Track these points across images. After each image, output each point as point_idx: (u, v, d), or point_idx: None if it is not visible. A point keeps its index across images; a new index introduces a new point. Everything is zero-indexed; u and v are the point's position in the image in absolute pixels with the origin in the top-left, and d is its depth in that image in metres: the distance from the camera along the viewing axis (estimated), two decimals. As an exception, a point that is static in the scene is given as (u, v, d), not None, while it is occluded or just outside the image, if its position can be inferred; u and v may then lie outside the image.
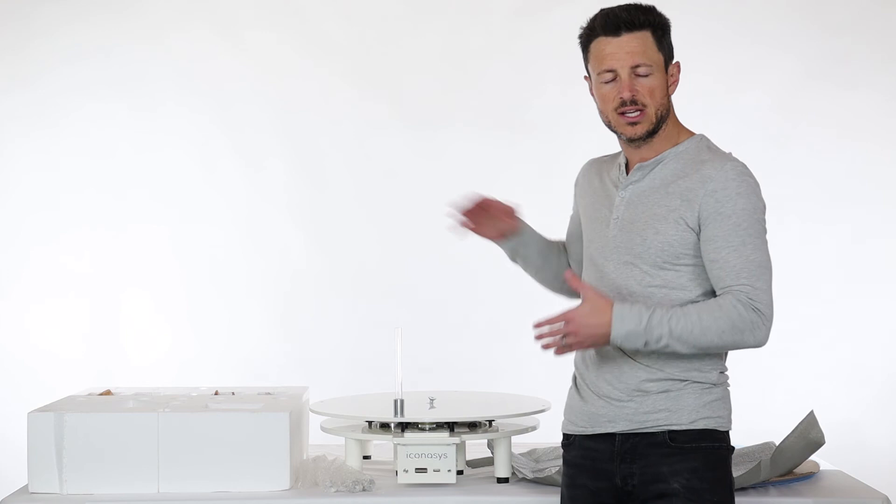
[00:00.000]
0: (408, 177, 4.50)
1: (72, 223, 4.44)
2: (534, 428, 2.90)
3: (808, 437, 2.78)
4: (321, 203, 4.51)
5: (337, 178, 4.51)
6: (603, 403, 2.30)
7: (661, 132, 2.30)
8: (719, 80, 4.43)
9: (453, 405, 2.98)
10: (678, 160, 2.30)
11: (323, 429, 2.94)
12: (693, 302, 2.24)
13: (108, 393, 3.04)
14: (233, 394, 3.04)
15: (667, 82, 2.30)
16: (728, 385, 2.38)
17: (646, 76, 2.26)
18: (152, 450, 2.68)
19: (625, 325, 2.17)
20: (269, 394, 3.03)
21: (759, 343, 2.21)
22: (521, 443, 3.14)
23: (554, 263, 2.60)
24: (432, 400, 2.96)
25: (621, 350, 2.27)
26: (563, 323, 2.20)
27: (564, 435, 2.43)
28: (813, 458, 2.94)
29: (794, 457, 2.78)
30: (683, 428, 2.25)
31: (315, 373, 4.00)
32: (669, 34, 2.32)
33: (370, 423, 2.88)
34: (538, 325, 2.23)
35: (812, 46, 4.41)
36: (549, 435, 3.26)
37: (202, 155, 4.48)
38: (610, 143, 4.64)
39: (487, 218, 2.51)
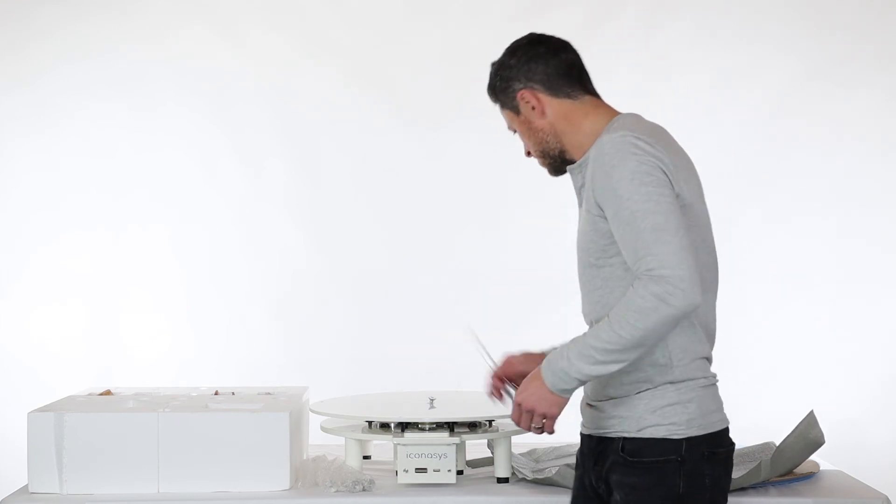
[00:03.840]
0: (408, 176, 4.50)
1: (71, 223, 4.44)
2: (534, 428, 2.89)
3: (808, 437, 2.78)
4: (321, 203, 4.51)
5: (337, 177, 4.51)
6: (585, 407, 2.33)
7: (568, 152, 2.31)
8: (719, 80, 4.43)
9: (453, 405, 2.98)
10: (591, 153, 2.25)
11: (323, 429, 2.94)
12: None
13: (108, 393, 3.04)
14: (233, 394, 3.04)
15: (528, 121, 2.32)
16: (705, 382, 2.22)
17: (517, 132, 2.38)
18: (152, 450, 2.68)
19: (551, 366, 2.15)
20: (269, 394, 3.04)
21: (684, 308, 2.03)
22: (521, 443, 3.14)
23: None
24: (432, 400, 2.96)
25: None
26: (519, 411, 2.21)
27: None
28: (813, 458, 2.94)
29: (794, 457, 2.78)
30: (632, 436, 2.19)
31: (315, 373, 4.00)
32: (503, 84, 2.33)
33: (370, 423, 2.88)
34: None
35: (812, 46, 4.41)
36: (549, 435, 3.27)
37: (202, 155, 4.48)
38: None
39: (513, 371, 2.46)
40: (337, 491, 2.68)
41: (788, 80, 4.42)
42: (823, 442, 2.79)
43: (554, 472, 2.76)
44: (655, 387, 2.18)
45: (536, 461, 3.03)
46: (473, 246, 4.49)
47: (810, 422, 2.80)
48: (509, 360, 2.42)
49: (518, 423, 2.23)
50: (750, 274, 4.42)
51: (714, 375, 2.27)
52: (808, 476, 2.85)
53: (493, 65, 2.36)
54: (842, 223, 4.41)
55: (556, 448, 3.10)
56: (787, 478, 2.81)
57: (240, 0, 4.49)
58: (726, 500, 2.27)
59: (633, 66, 4.45)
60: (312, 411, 2.97)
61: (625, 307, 2.07)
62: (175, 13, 4.46)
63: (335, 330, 4.47)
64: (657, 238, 2.06)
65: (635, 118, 2.28)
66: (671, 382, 2.18)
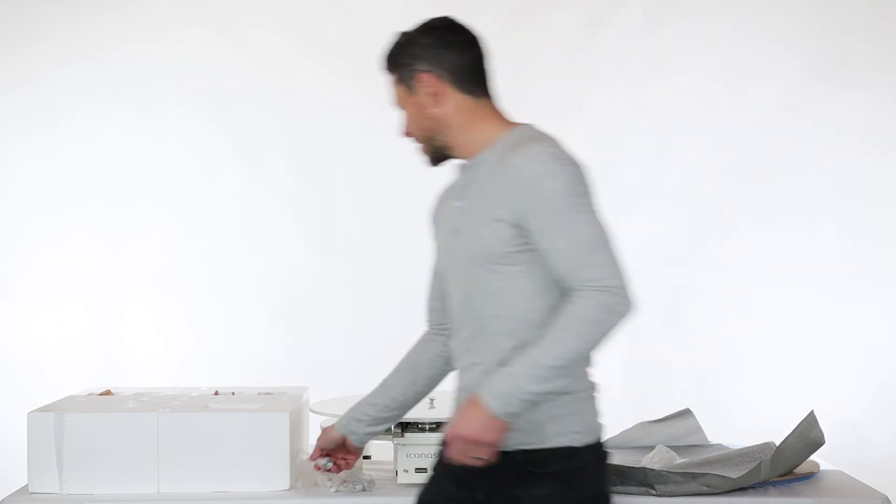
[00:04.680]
0: (407, 176, 4.48)
1: (71, 223, 4.43)
2: (534, 428, 2.89)
3: (808, 437, 2.78)
4: (321, 203, 4.51)
5: (337, 177, 4.51)
6: None
7: (454, 148, 2.28)
8: (719, 79, 4.43)
9: (453, 405, 2.97)
10: (493, 157, 2.22)
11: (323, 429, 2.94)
12: (537, 295, 2.15)
13: (108, 393, 3.04)
14: (233, 394, 3.04)
15: (422, 105, 2.26)
16: (592, 391, 2.24)
17: (403, 110, 2.30)
18: (152, 450, 2.68)
19: (493, 391, 2.08)
20: (269, 394, 3.04)
21: (627, 317, 2.05)
22: (521, 443, 3.14)
23: (422, 382, 2.54)
24: (432, 400, 2.95)
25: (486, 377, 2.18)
26: (459, 443, 2.13)
27: None
28: (813, 458, 2.94)
29: (794, 457, 2.78)
30: (535, 447, 2.16)
31: (315, 373, 4.00)
32: (408, 60, 2.28)
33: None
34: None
35: (812, 46, 4.41)
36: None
37: (202, 155, 4.48)
38: (606, 144, 4.67)
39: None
40: (337, 491, 2.68)
41: (789, 80, 4.42)
42: (823, 442, 2.79)
43: (554, 472, 2.75)
44: (553, 397, 2.15)
45: (536, 461, 3.03)
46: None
47: (810, 422, 2.80)
48: (326, 432, 2.45)
49: (455, 457, 2.13)
50: (750, 274, 4.43)
51: (596, 384, 2.27)
52: (808, 476, 2.85)
53: (402, 35, 2.30)
54: (842, 223, 4.41)
55: (556, 448, 3.09)
56: (787, 478, 2.80)
57: (240, 0, 4.49)
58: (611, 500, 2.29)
59: (633, 65, 4.46)
60: (312, 411, 2.97)
61: (573, 320, 2.05)
62: (175, 13, 4.46)
63: (335, 330, 4.47)
64: (595, 248, 2.07)
65: (539, 130, 2.25)
66: (568, 393, 2.17)
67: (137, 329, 4.45)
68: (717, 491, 2.68)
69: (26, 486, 2.71)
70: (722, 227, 4.45)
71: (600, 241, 2.08)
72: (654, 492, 2.68)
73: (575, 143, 4.70)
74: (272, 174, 4.50)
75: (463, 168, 2.29)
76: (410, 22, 5.02)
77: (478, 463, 2.13)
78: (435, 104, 2.26)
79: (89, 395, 3.03)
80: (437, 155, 2.31)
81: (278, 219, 4.50)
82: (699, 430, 3.15)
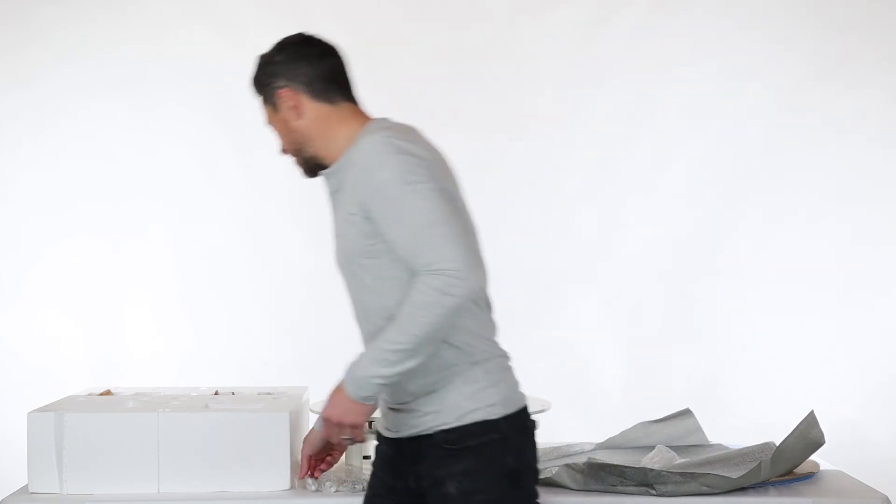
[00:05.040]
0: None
1: (71, 223, 4.43)
2: (534, 428, 2.89)
3: (808, 437, 2.78)
4: (321, 203, 4.47)
5: (337, 178, 4.50)
6: (388, 412, 2.35)
7: (322, 156, 2.34)
8: (719, 79, 4.43)
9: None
10: (350, 157, 2.28)
11: (323, 429, 2.94)
12: (409, 284, 2.18)
13: (108, 393, 3.04)
14: (233, 394, 3.04)
15: (286, 119, 2.34)
16: (504, 361, 2.30)
17: (274, 129, 2.39)
18: (152, 450, 2.68)
19: (351, 376, 2.18)
20: (269, 394, 3.04)
21: (466, 295, 2.08)
22: (521, 443, 3.14)
23: None
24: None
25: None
26: (329, 426, 2.24)
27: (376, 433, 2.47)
28: (813, 457, 2.94)
29: (794, 457, 2.78)
30: (452, 426, 2.22)
31: (315, 373, 3.99)
32: (267, 79, 2.39)
33: (370, 422, 2.87)
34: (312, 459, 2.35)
35: (812, 46, 4.41)
36: (549, 435, 3.26)
37: (202, 155, 4.48)
38: (605, 145, 4.67)
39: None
40: (337, 491, 2.68)
41: (790, 79, 4.42)
42: (823, 442, 2.79)
43: (554, 472, 2.76)
44: (463, 373, 2.23)
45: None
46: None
47: (810, 422, 2.80)
48: (308, 440, 2.46)
49: (329, 438, 2.27)
50: (750, 273, 4.43)
51: (506, 353, 2.32)
52: (808, 476, 2.85)
53: (261, 57, 2.40)
54: (842, 223, 4.41)
55: (556, 448, 3.10)
56: (787, 478, 2.80)
57: (240, 0, 4.49)
58: (539, 472, 2.34)
59: (633, 65, 4.46)
60: (312, 411, 2.97)
61: (410, 305, 2.11)
62: (175, 13, 4.46)
63: (335, 330, 4.44)
64: (431, 233, 2.11)
65: (388, 121, 2.33)
66: (475, 363, 2.23)
67: (138, 329, 4.45)
68: (717, 491, 2.68)
69: (26, 486, 2.71)
70: (721, 227, 4.44)
71: (436, 225, 2.12)
72: (654, 492, 2.68)
73: (575, 143, 4.70)
74: (272, 174, 4.50)
75: (327, 176, 2.35)
76: (409, 22, 5.02)
77: (347, 443, 2.26)
78: (297, 117, 2.34)
79: (89, 395, 3.03)
80: (310, 165, 2.38)
81: (278, 219, 4.49)
82: (699, 430, 3.15)
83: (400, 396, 2.28)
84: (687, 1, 4.47)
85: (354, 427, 2.22)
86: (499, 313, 4.41)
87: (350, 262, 2.28)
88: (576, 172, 4.49)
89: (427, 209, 2.13)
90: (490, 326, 2.31)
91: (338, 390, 2.22)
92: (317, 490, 2.68)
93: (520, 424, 2.27)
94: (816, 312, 4.39)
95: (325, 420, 2.24)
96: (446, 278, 2.08)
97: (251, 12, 4.49)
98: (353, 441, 2.25)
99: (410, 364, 2.14)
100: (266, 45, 4.90)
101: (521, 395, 2.30)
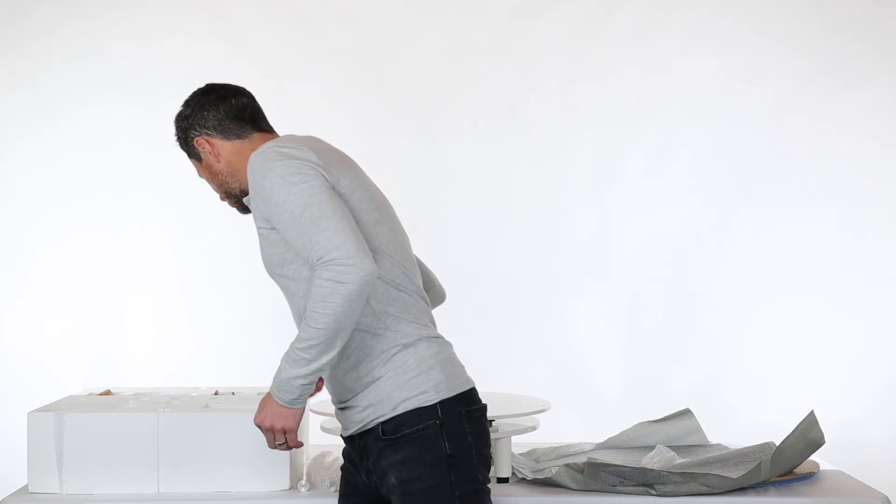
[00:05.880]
0: (407, 176, 4.50)
1: (71, 223, 4.43)
2: (534, 428, 2.89)
3: (808, 437, 2.78)
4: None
5: (337, 177, 4.50)
6: (338, 412, 2.38)
7: (245, 186, 2.41)
8: (719, 78, 4.43)
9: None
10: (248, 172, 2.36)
11: (323, 429, 2.94)
12: None
13: (108, 393, 3.04)
14: (233, 394, 3.04)
15: (209, 165, 2.46)
16: (436, 345, 2.30)
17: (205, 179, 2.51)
18: (152, 450, 2.68)
19: (275, 382, 2.22)
20: (269, 394, 3.03)
21: (361, 281, 2.11)
22: (521, 443, 3.14)
23: None
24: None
25: (331, 370, 2.31)
26: (264, 433, 2.28)
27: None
28: (813, 458, 2.94)
29: (794, 457, 2.78)
30: (388, 416, 2.25)
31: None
32: (183, 135, 2.47)
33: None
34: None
35: (812, 46, 4.41)
36: (549, 435, 3.27)
37: (202, 155, 4.48)
38: (605, 145, 4.67)
39: None
40: (337, 491, 2.68)
41: (790, 78, 4.42)
42: (823, 442, 2.79)
43: (554, 472, 2.76)
44: (393, 359, 2.25)
45: (536, 461, 3.03)
46: (473, 245, 4.49)
47: (810, 422, 2.80)
48: None
49: (267, 446, 2.31)
50: (750, 274, 4.43)
51: (441, 336, 2.32)
52: (808, 476, 2.85)
53: (175, 118, 2.49)
54: (842, 222, 4.41)
55: (556, 448, 3.10)
56: (787, 478, 2.81)
57: (240, 0, 4.49)
58: (490, 458, 2.33)
59: (633, 65, 4.46)
60: (312, 411, 2.97)
61: (311, 301, 2.15)
62: (175, 13, 4.46)
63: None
64: (317, 228, 2.16)
65: (286, 135, 2.40)
66: (406, 347, 2.26)
67: (138, 329, 4.45)
68: (717, 491, 2.68)
69: (26, 486, 2.71)
70: (721, 226, 4.45)
71: (319, 219, 2.17)
72: (654, 492, 2.69)
73: (575, 143, 4.70)
74: (272, 174, 4.49)
75: (247, 202, 2.40)
76: (410, 22, 5.01)
77: (283, 448, 2.28)
78: (216, 160, 2.45)
79: (89, 395, 3.03)
80: (240, 203, 2.47)
81: (278, 219, 4.49)
82: (699, 430, 3.15)
83: (343, 394, 2.32)
84: (686, 1, 4.47)
85: (286, 431, 2.25)
86: (499, 313, 4.44)
87: (274, 273, 2.34)
88: (576, 172, 4.49)
89: (310, 206, 2.18)
90: (416, 309, 2.31)
91: (267, 397, 2.26)
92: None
93: (458, 409, 2.26)
94: (816, 312, 4.39)
95: (258, 427, 2.27)
96: (338, 267, 2.12)
97: (251, 12, 4.49)
98: (289, 446, 2.27)
99: (326, 358, 2.16)
100: (266, 45, 4.92)
101: (461, 380, 2.29)
